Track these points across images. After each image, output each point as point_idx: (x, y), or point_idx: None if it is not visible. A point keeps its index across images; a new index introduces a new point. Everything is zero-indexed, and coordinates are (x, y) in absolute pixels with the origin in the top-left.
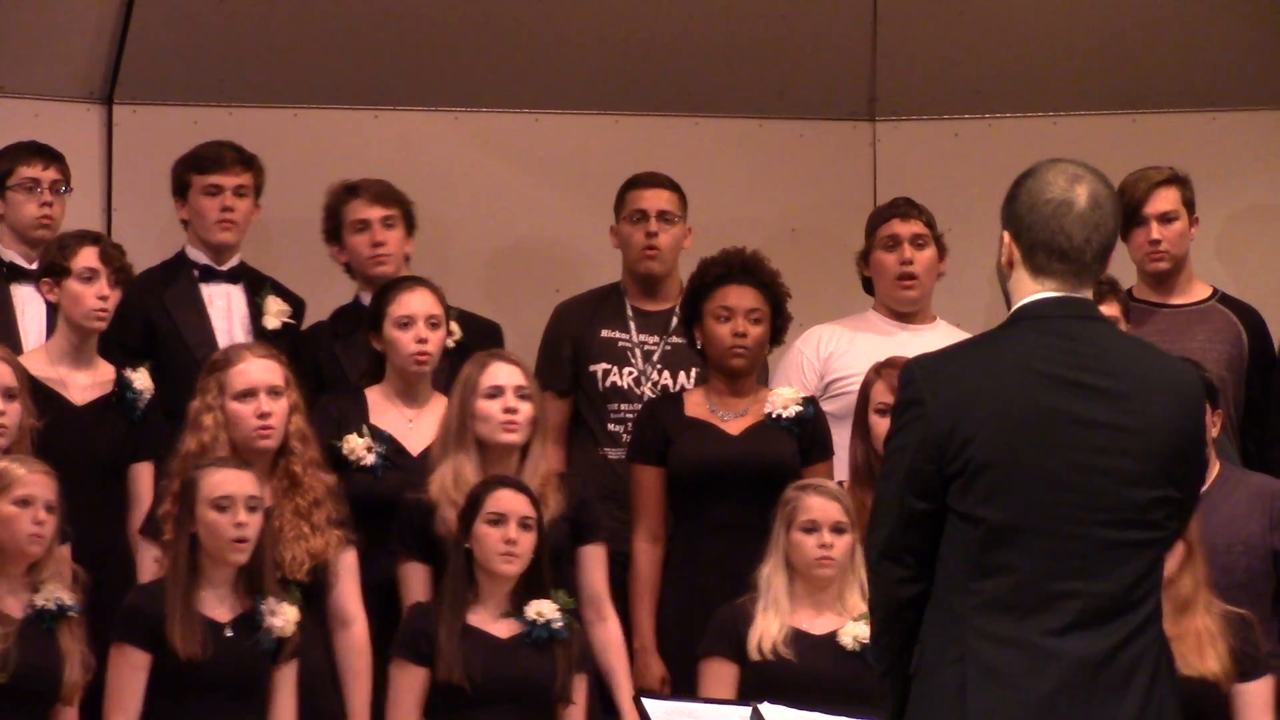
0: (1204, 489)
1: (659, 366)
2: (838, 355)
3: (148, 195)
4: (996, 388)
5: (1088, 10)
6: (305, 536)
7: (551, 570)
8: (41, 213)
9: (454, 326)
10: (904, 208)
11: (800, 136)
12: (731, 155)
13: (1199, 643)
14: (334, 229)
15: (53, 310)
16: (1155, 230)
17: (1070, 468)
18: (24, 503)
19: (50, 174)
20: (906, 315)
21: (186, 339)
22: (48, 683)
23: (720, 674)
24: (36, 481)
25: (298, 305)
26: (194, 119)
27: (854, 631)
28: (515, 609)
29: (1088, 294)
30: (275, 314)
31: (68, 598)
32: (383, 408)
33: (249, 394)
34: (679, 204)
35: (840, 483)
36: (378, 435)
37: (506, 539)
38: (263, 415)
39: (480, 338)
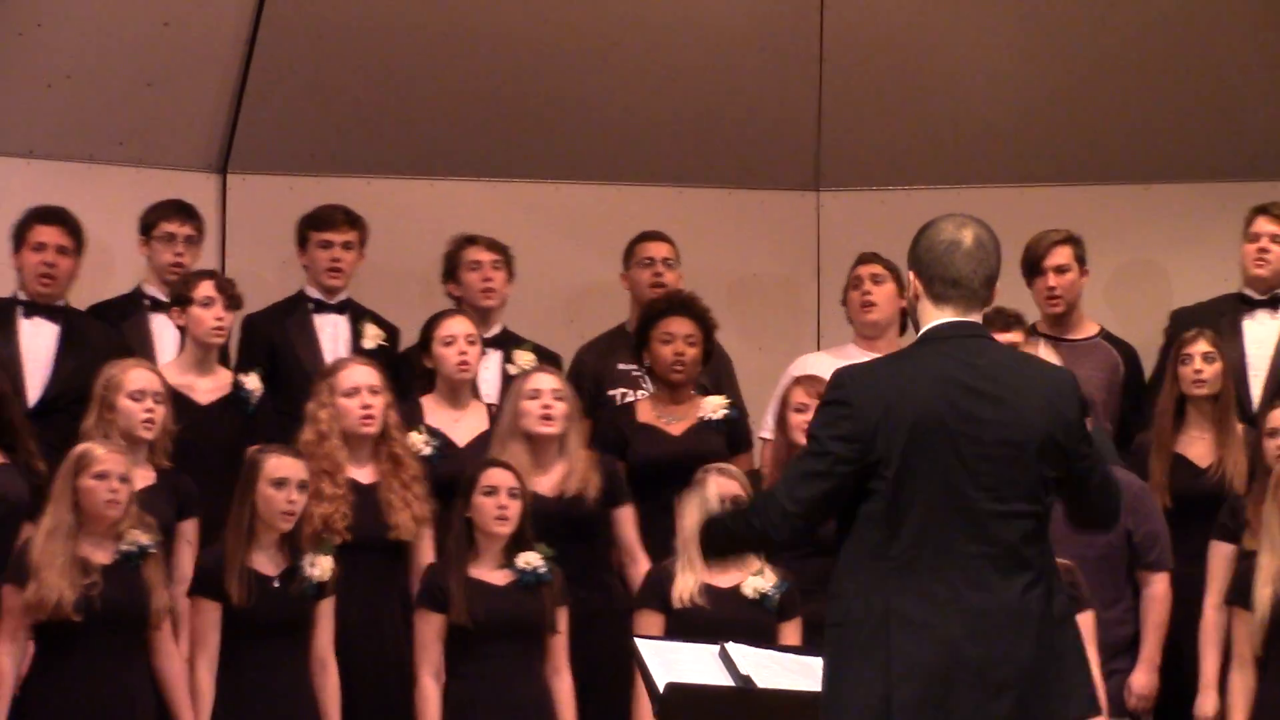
0: None
1: None
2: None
3: (253, 246)
4: (910, 393)
5: (994, 103)
6: (409, 504)
7: (532, 528)
8: (175, 260)
9: (530, 355)
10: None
11: (761, 204)
12: (707, 218)
13: None
14: (451, 269)
15: (180, 332)
16: (1052, 279)
17: (966, 455)
18: (101, 476)
19: (186, 229)
20: (871, 340)
21: (300, 356)
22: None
23: (649, 622)
24: (111, 459)
25: (392, 331)
26: (290, 186)
27: (754, 584)
28: (508, 561)
29: (978, 317)
30: (370, 338)
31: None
32: (434, 411)
33: (354, 391)
34: (676, 254)
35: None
36: (433, 433)
37: (500, 505)
38: (366, 407)
39: (546, 363)
